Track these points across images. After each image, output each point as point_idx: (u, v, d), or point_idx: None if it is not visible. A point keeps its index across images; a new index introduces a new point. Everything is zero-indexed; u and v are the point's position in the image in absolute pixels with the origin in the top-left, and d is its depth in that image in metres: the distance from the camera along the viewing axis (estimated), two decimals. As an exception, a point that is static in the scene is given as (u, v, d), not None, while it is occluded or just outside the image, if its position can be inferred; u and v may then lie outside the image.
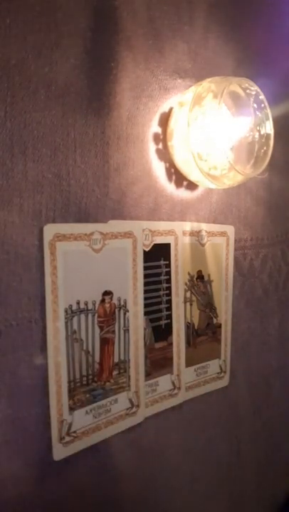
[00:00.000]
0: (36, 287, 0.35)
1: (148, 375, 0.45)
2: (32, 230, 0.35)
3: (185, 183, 0.46)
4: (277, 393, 0.64)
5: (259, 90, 0.41)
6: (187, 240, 0.47)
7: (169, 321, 0.46)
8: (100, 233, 0.39)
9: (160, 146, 0.43)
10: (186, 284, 0.47)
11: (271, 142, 0.42)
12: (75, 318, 0.38)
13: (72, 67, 0.36)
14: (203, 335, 0.50)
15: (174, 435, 0.49)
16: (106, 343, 0.40)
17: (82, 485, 0.40)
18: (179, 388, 0.48)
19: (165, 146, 0.44)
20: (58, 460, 0.37)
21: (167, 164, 0.44)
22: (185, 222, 0.46)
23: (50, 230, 0.35)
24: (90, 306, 0.39)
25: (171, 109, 0.44)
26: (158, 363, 0.46)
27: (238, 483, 0.60)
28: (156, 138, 0.43)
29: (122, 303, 0.41)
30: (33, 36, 0.34)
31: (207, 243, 0.49)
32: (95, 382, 0.40)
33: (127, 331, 0.42)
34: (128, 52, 0.40)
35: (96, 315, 0.39)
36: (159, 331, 0.45)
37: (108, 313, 0.40)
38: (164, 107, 0.43)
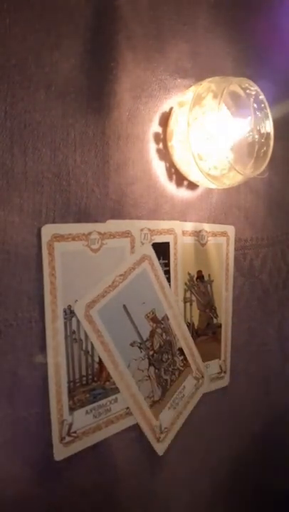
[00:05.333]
0: (36, 287, 0.35)
1: (148, 375, 0.45)
2: (32, 230, 0.35)
3: (185, 183, 0.46)
4: (277, 393, 0.64)
5: (259, 90, 0.41)
6: (187, 240, 0.47)
7: (169, 321, 0.46)
8: (98, 233, 0.39)
9: (160, 145, 0.43)
10: (186, 283, 0.47)
11: (271, 142, 0.42)
12: (74, 319, 0.38)
13: (72, 67, 0.36)
14: (203, 335, 0.50)
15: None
16: (106, 343, 0.40)
17: (82, 485, 0.40)
18: (179, 388, 0.48)
19: (165, 146, 0.44)
20: (58, 460, 0.37)
21: (167, 164, 0.44)
22: (185, 221, 0.46)
23: (48, 231, 0.35)
24: (90, 306, 0.39)
25: (171, 109, 0.44)
26: (158, 362, 0.46)
27: (238, 483, 0.60)
28: (157, 138, 0.43)
29: (121, 303, 0.41)
30: (33, 36, 0.34)
31: (207, 243, 0.49)
32: (94, 381, 0.40)
33: (126, 330, 0.42)
34: (128, 52, 0.40)
35: (96, 315, 0.39)
36: (159, 330, 0.45)
37: (108, 313, 0.40)
38: (164, 107, 0.43)
